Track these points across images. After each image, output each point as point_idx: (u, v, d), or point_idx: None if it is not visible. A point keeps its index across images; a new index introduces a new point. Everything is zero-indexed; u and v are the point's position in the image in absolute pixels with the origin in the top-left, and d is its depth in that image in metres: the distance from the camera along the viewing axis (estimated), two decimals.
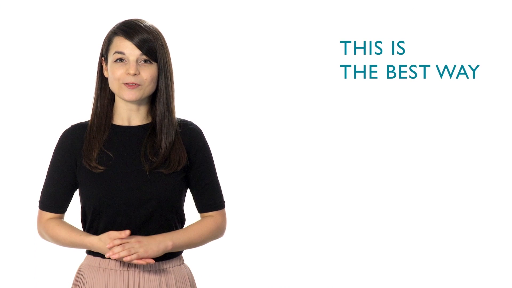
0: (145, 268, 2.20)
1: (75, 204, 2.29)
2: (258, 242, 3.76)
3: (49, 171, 2.25)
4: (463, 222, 3.78)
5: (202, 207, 2.29)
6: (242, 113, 3.75)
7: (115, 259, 2.12)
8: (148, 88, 2.18)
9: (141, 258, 2.12)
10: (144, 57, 2.15)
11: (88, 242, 2.17)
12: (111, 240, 2.10)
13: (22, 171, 3.68)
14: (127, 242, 2.10)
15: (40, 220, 2.27)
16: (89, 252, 2.24)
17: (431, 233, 3.78)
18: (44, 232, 2.26)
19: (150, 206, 2.17)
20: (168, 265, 2.24)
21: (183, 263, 2.30)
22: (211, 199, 2.28)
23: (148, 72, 2.16)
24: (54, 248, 2.52)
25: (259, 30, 3.72)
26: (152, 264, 2.20)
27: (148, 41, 2.16)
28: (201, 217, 2.30)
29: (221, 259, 3.70)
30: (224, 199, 2.32)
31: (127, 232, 2.10)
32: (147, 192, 2.17)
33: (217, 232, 2.28)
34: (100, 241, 2.14)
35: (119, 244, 2.10)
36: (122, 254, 2.09)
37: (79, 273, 2.26)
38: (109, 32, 2.20)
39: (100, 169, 2.17)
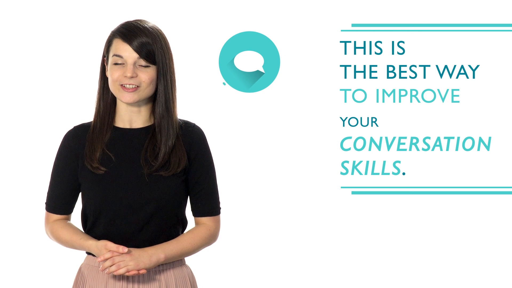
0: None
1: (77, 205, 2.30)
2: (259, 244, 3.76)
3: (52, 173, 2.27)
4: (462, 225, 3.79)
5: (196, 211, 2.28)
6: (241, 113, 3.75)
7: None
8: (146, 90, 2.17)
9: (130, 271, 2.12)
10: (142, 61, 2.16)
11: (86, 246, 2.18)
12: (106, 251, 2.10)
13: (23, 172, 3.68)
14: (118, 255, 2.10)
15: (47, 221, 2.29)
16: (89, 252, 2.25)
17: (432, 232, 3.78)
18: (50, 233, 2.28)
19: (149, 209, 2.17)
20: (169, 266, 2.24)
21: (184, 264, 2.30)
22: (206, 204, 2.27)
23: (146, 75, 2.16)
24: (55, 248, 2.53)
25: (259, 30, 3.72)
26: None
27: (146, 44, 2.15)
28: (195, 221, 2.30)
29: (223, 260, 3.70)
30: (221, 205, 2.31)
31: (125, 249, 2.10)
32: (147, 195, 2.17)
33: (210, 239, 2.28)
34: (96, 248, 2.15)
35: (110, 257, 2.10)
36: (112, 269, 2.09)
37: (80, 272, 2.27)
38: (110, 33, 2.21)
39: (102, 170, 2.18)
